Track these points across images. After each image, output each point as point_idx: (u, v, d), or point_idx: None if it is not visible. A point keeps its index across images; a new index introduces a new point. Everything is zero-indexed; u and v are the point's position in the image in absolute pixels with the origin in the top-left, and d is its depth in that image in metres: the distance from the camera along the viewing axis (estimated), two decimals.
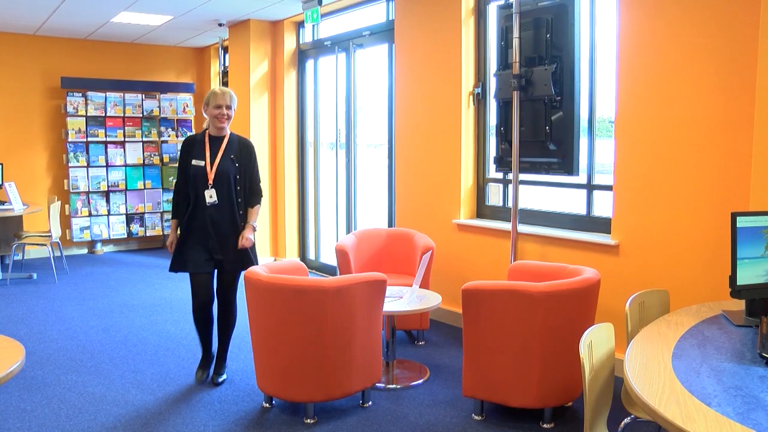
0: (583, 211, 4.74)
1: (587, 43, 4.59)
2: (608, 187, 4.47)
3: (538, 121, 4.68)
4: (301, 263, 4.40)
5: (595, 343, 2.33)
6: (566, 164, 4.55)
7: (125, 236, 9.28)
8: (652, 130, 4.11)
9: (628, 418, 2.92)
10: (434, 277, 5.39)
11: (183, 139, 6.72)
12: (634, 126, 4.21)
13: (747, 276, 2.69)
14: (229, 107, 4.13)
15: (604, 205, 4.60)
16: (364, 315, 3.64)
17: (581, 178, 4.66)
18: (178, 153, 4.79)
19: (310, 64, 7.99)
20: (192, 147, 4.21)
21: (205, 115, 4.21)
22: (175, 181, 4.35)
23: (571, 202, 5.02)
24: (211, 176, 4.10)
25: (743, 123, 3.65)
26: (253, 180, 4.27)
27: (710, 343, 2.43)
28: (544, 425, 3.60)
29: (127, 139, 9.18)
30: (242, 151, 4.22)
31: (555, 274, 3.90)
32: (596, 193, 4.68)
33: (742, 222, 2.67)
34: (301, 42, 8.06)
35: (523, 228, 4.93)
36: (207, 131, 4.23)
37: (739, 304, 2.86)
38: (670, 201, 4.04)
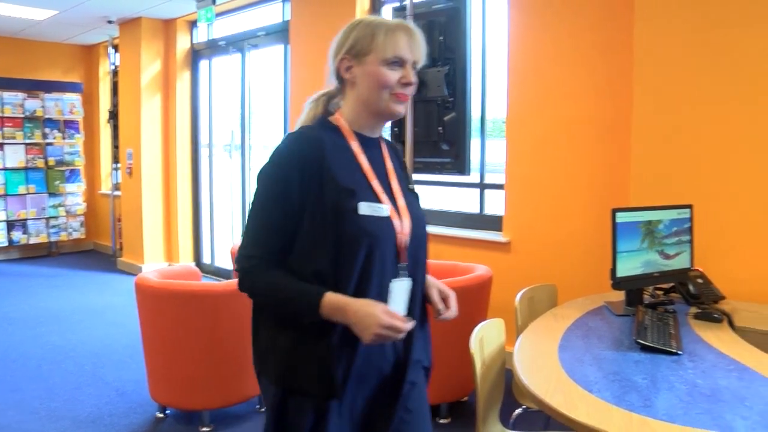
0: (476, 210, 4.88)
1: (479, 45, 4.72)
2: (500, 186, 4.62)
3: (432, 121, 4.77)
4: (195, 268, 4.30)
5: (486, 339, 2.40)
6: (459, 164, 4.66)
7: (6, 244, 8.77)
8: (541, 131, 4.28)
9: (520, 408, 3.03)
10: None
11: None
12: (524, 126, 4.37)
13: (626, 268, 2.84)
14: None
15: (496, 204, 4.74)
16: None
17: (474, 178, 4.79)
18: (272, 175, 1.72)
19: (204, 64, 7.84)
20: (329, 162, 1.68)
21: (332, 81, 1.86)
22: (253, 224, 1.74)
23: (465, 201, 5.14)
24: (403, 242, 1.76)
25: (623, 124, 3.85)
26: None
27: (593, 333, 2.56)
28: (441, 420, 3.68)
29: (6, 141, 8.66)
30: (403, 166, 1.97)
31: (448, 272, 3.99)
32: (488, 191, 4.82)
33: (621, 217, 2.82)
34: (194, 42, 7.89)
35: None
36: (347, 127, 1.79)
37: (620, 295, 3.01)
38: (557, 198, 4.22)
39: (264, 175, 1.70)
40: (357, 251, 1.64)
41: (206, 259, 7.99)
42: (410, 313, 1.79)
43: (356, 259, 1.64)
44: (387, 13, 5.37)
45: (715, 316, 2.75)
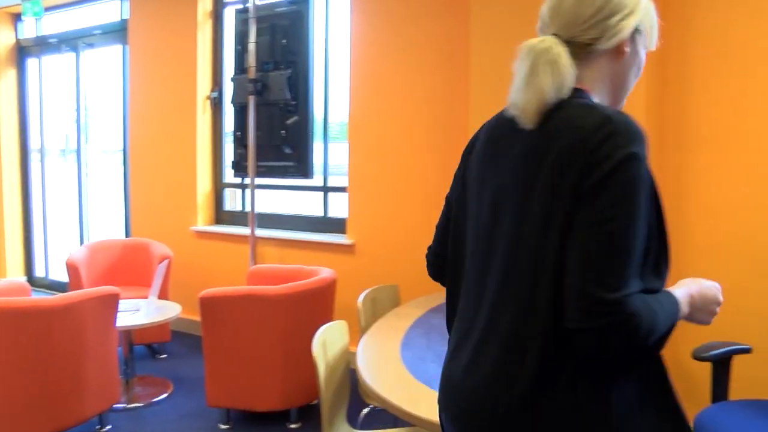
0: (320, 213, 4.88)
1: (322, 49, 4.72)
2: (343, 189, 4.64)
3: (275, 125, 4.73)
4: (24, 283, 3.99)
5: (330, 341, 2.39)
6: (302, 167, 4.65)
7: None
8: (382, 133, 4.36)
9: (367, 408, 3.06)
10: (174, 286, 5.19)
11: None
12: (365, 129, 4.42)
13: None
14: None
15: (340, 206, 4.77)
16: (96, 333, 3.40)
17: (317, 181, 4.79)
18: (647, 181, 1.20)
19: (32, 62, 7.26)
20: None
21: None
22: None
23: (309, 205, 5.13)
24: None
25: (461, 127, 4.00)
26: None
27: (435, 330, 2.63)
28: (291, 425, 3.64)
29: None
30: None
31: (293, 276, 3.96)
32: (332, 194, 4.84)
33: None
34: (20, 37, 7.29)
35: (261, 232, 4.94)
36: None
37: None
38: (399, 200, 4.31)
39: (640, 179, 1.14)
40: None
41: (39, 273, 7.43)
42: None
43: None
44: (230, 14, 5.25)
45: None
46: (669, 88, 3.39)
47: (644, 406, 1.20)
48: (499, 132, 1.36)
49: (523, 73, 1.25)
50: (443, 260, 1.51)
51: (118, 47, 6.19)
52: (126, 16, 5.97)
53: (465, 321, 1.36)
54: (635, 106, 3.29)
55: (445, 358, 1.42)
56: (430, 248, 1.61)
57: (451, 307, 1.47)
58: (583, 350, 1.13)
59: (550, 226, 1.16)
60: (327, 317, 3.65)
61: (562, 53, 1.23)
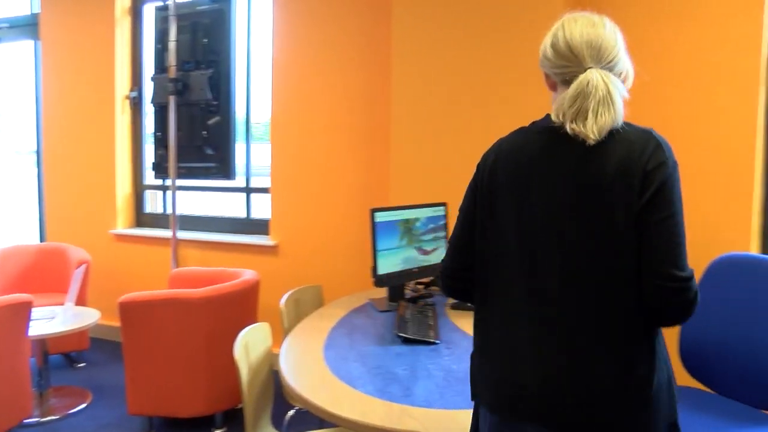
0: (243, 214, 4.82)
1: (244, 49, 4.66)
2: (266, 190, 4.60)
3: (196, 125, 4.64)
4: None
5: (252, 344, 2.36)
6: (224, 168, 4.58)
7: None
8: (305, 134, 4.33)
9: (292, 410, 3.03)
10: (93, 292, 5.04)
11: None
12: (287, 130, 4.39)
13: (387, 265, 2.95)
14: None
15: (263, 208, 4.72)
16: (6, 343, 3.26)
17: (240, 182, 4.72)
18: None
19: None
20: None
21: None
22: None
23: (232, 206, 5.06)
24: None
25: (383, 128, 4.02)
26: None
27: (358, 330, 2.62)
28: (216, 431, 3.57)
29: None
30: None
31: (216, 278, 3.90)
32: (254, 195, 4.78)
33: (379, 217, 2.93)
34: None
35: (183, 234, 4.84)
36: None
37: (383, 292, 3.13)
38: (322, 201, 4.30)
39: (679, 181, 1.45)
40: None
41: None
42: None
43: None
44: (149, 12, 5.11)
45: (470, 305, 2.95)
46: None
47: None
48: (544, 147, 1.52)
49: (598, 98, 1.44)
50: (471, 272, 1.63)
51: (30, 43, 5.94)
52: (36, 9, 5.74)
53: (519, 322, 1.50)
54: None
55: (493, 363, 1.55)
56: (450, 267, 1.68)
57: (483, 315, 1.60)
58: (660, 323, 1.42)
59: (623, 224, 1.40)
60: (250, 319, 3.60)
61: (619, 84, 1.49)
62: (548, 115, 1.54)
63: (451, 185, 3.64)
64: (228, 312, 3.45)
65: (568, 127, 1.46)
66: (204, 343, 3.38)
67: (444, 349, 2.37)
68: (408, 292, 3.21)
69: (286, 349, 2.36)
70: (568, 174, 1.46)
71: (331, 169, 4.27)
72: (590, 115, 1.43)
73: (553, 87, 1.59)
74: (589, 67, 1.47)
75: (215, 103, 4.56)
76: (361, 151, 4.18)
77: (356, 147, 4.19)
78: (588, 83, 1.45)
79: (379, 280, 2.91)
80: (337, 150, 4.25)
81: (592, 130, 1.43)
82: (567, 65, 1.50)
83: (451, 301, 3.06)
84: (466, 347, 2.38)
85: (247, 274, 3.69)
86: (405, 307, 2.77)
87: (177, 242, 4.76)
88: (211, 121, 4.58)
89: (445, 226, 3.30)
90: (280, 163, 4.44)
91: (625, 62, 1.53)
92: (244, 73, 4.69)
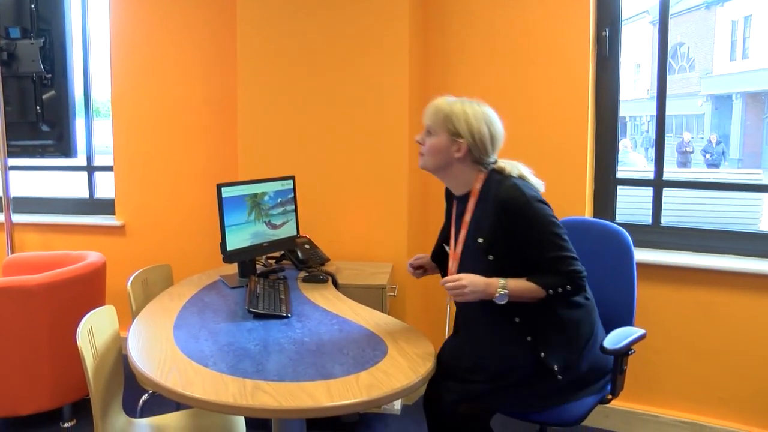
0: (85, 194, 4.59)
1: (80, 18, 4.39)
2: (110, 168, 4.40)
3: (28, 100, 4.33)
4: None
5: (97, 328, 2.27)
6: (63, 146, 4.32)
7: None
8: (149, 111, 4.20)
9: (146, 394, 2.96)
10: None
11: None
12: (131, 106, 4.23)
13: (235, 241, 2.93)
14: (428, 131, 2.30)
15: (108, 187, 4.52)
16: None
17: (81, 160, 4.49)
18: None
19: None
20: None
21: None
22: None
23: (73, 186, 4.81)
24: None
25: (231, 103, 3.94)
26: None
27: (209, 308, 2.59)
28: (65, 424, 3.42)
29: None
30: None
31: (58, 262, 3.69)
32: (98, 174, 4.57)
33: (226, 192, 2.89)
34: None
35: (19, 218, 4.54)
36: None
37: (234, 268, 3.10)
38: (171, 178, 4.19)
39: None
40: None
41: None
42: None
43: None
44: None
45: (321, 277, 2.99)
46: (431, 67, 3.60)
47: None
48: None
49: None
50: None
51: None
52: None
53: None
54: (398, 78, 3.46)
55: None
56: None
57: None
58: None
59: None
60: (98, 304, 3.41)
61: None
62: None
63: (299, 160, 3.65)
64: (72, 298, 3.29)
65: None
66: (46, 333, 3.21)
67: (296, 322, 2.39)
68: (259, 267, 3.20)
69: (134, 332, 2.30)
70: None
71: (179, 145, 4.15)
72: None
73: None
74: None
75: (49, 76, 4.27)
76: (209, 127, 4.09)
77: (204, 123, 4.09)
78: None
79: (228, 256, 2.88)
80: (185, 126, 4.14)
81: None
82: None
83: (303, 274, 3.08)
84: (318, 319, 2.42)
85: (92, 257, 3.53)
86: (256, 282, 2.76)
87: (12, 226, 4.46)
88: (45, 96, 4.30)
89: (294, 200, 3.31)
90: (123, 141, 4.26)
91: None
92: (81, 46, 4.43)
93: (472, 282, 2.09)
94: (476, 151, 2.20)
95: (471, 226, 2.24)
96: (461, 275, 2.12)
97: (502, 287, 2.08)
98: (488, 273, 2.12)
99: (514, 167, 2.23)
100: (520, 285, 2.10)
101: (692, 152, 17.78)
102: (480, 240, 2.18)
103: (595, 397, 2.28)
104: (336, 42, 3.55)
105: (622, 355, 2.24)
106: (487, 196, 2.19)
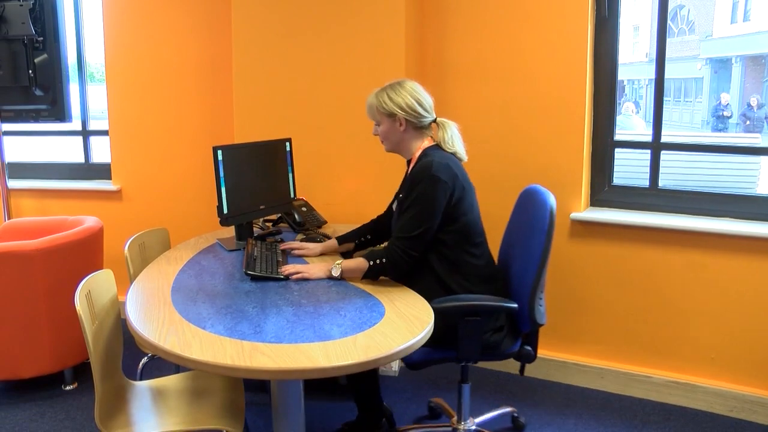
0: (81, 159, 4.57)
1: None
2: (105, 133, 4.38)
3: (20, 64, 4.27)
4: None
5: (96, 292, 2.28)
6: (57, 111, 4.28)
7: None
8: (144, 75, 4.16)
9: (146, 357, 2.98)
10: None
11: None
12: (126, 70, 4.19)
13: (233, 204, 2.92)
14: (376, 124, 2.66)
15: (103, 152, 4.50)
16: None
17: (76, 125, 4.46)
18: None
19: None
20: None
21: None
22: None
23: (68, 151, 4.79)
24: None
25: (226, 65, 3.90)
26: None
27: (206, 271, 2.60)
28: (67, 387, 3.45)
29: None
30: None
31: (55, 227, 3.70)
32: (93, 139, 4.55)
33: (222, 155, 2.88)
34: None
35: (15, 183, 4.53)
36: None
37: (231, 231, 3.10)
38: (166, 142, 4.17)
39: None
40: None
41: None
42: None
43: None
44: None
45: (318, 239, 2.99)
46: (427, 28, 3.55)
47: None
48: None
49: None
50: None
51: None
52: None
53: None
54: (395, 46, 3.42)
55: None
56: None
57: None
58: None
59: None
60: (95, 268, 3.46)
61: None
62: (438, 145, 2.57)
63: (295, 122, 3.63)
64: (69, 263, 3.30)
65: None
66: (45, 297, 3.22)
67: (293, 284, 2.40)
68: (257, 230, 3.20)
69: (132, 296, 2.31)
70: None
71: (174, 109, 4.12)
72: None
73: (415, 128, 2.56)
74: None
75: (41, 39, 4.22)
76: (204, 90, 4.05)
77: (199, 85, 4.06)
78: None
79: (225, 219, 2.88)
80: (180, 89, 4.10)
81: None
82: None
83: (300, 236, 3.09)
84: (315, 282, 2.43)
85: (89, 221, 3.54)
86: (253, 244, 2.76)
87: (8, 192, 4.45)
88: (38, 60, 4.25)
89: (291, 162, 3.30)
90: (119, 105, 4.23)
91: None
92: (73, 8, 4.38)
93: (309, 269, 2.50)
94: (413, 118, 2.54)
95: (400, 187, 2.74)
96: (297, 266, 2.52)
97: (336, 265, 2.46)
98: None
99: (450, 138, 2.58)
100: (352, 262, 2.46)
101: (730, 117, 15.68)
102: (397, 199, 2.64)
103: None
104: (331, 1, 3.50)
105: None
106: (415, 166, 2.52)
